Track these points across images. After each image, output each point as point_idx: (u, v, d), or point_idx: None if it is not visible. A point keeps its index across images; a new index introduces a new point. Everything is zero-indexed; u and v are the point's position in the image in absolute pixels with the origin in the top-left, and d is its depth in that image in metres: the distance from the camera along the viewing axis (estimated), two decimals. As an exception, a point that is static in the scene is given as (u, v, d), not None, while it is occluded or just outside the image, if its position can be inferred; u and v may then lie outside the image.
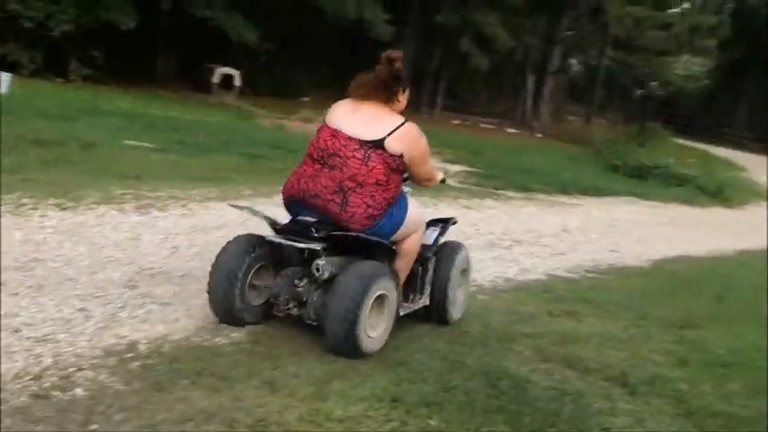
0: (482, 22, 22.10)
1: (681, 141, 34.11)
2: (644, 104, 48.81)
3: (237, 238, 4.31)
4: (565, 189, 13.61)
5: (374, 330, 4.08)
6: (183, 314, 4.33)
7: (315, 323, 4.13)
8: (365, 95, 4.23)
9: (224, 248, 4.24)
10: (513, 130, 25.82)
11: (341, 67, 24.81)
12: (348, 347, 3.96)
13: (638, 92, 51.49)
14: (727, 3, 42.54)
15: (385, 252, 4.31)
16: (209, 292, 4.22)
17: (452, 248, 4.88)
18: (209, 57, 19.67)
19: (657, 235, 10.75)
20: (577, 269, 7.44)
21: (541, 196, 12.69)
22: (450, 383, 3.78)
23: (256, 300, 4.29)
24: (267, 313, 4.30)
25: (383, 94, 4.23)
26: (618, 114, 35.62)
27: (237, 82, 19.56)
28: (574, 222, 10.48)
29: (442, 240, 4.86)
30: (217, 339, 4.02)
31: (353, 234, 4.12)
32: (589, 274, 7.29)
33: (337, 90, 19.96)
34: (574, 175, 15.13)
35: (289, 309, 4.20)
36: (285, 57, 22.43)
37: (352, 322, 3.91)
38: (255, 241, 4.26)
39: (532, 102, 29.41)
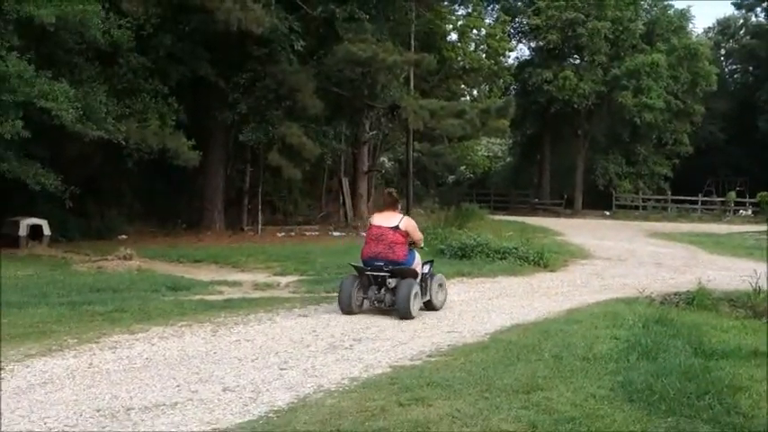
0: (287, 134, 22.56)
1: (497, 217, 35.70)
2: (457, 188, 51.17)
3: (348, 276, 10.37)
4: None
5: (416, 306, 9.98)
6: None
7: (388, 308, 10.00)
8: (384, 209, 10.48)
9: (343, 280, 10.32)
10: (338, 233, 26.15)
11: (154, 199, 24.59)
12: (407, 315, 9.71)
13: (450, 177, 54.07)
14: (512, 85, 45.77)
15: (413, 273, 10.16)
16: (339, 301, 10.15)
17: (433, 274, 10.74)
18: (13, 209, 18.89)
19: (491, 309, 11.07)
20: (420, 355, 7.54)
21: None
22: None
23: (359, 301, 10.14)
24: (363, 307, 10.19)
25: (392, 207, 10.48)
26: (434, 201, 36.97)
27: (46, 231, 18.81)
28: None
29: (430, 270, 10.73)
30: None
31: (404, 267, 10.12)
32: (432, 358, 7.41)
33: (153, 222, 19.59)
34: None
35: (374, 303, 10.12)
36: (94, 198, 21.87)
37: (408, 304, 9.77)
38: (355, 276, 10.23)
39: (352, 203, 30.05)
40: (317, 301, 11.49)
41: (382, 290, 10.13)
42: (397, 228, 10.20)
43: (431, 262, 11.09)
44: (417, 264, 10.46)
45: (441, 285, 10.88)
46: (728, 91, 54.93)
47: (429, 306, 10.53)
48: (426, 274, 10.59)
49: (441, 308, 10.69)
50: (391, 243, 10.12)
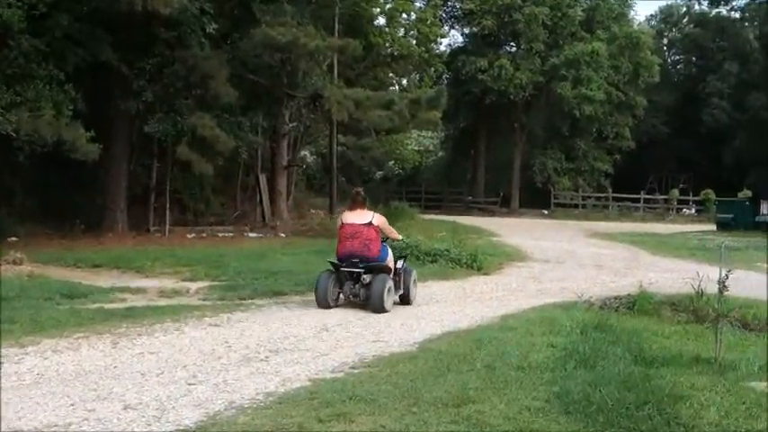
0: (198, 126, 22.25)
1: (428, 217, 35.94)
2: (385, 185, 51.34)
3: (324, 272, 11.65)
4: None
5: (389, 301, 11.44)
6: None
7: (362, 302, 11.39)
8: (354, 207, 11.82)
9: (320, 276, 11.61)
10: (254, 235, 25.95)
11: (48, 197, 23.98)
12: (381, 310, 11.05)
13: (377, 173, 54.19)
14: (444, 74, 46.05)
15: (386, 269, 11.64)
16: (315, 296, 11.48)
17: (407, 269, 12.34)
18: None
19: (420, 315, 11.14)
20: (342, 367, 7.54)
21: (295, 298, 12.80)
22: None
23: (334, 295, 11.55)
24: (339, 302, 11.60)
25: (361, 205, 11.83)
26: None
27: (-75, 234, 18.23)
28: (333, 320, 10.61)
29: (404, 265, 12.31)
30: None
31: (378, 264, 11.56)
32: (355, 370, 7.41)
33: (47, 223, 19.07)
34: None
35: (349, 298, 11.54)
36: (-20, 196, 21.26)
37: (382, 299, 11.18)
38: (331, 272, 11.63)
39: (269, 201, 29.85)
40: (230, 308, 11.42)
41: (357, 285, 11.62)
42: (370, 224, 11.74)
43: (404, 257, 12.80)
44: (390, 260, 11.98)
45: (415, 281, 12.57)
46: (671, 82, 56.50)
47: (404, 300, 12.18)
48: (400, 269, 12.17)
49: (414, 300, 12.39)
50: (366, 240, 11.64)
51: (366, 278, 11.53)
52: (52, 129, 19.26)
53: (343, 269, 11.63)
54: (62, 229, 23.03)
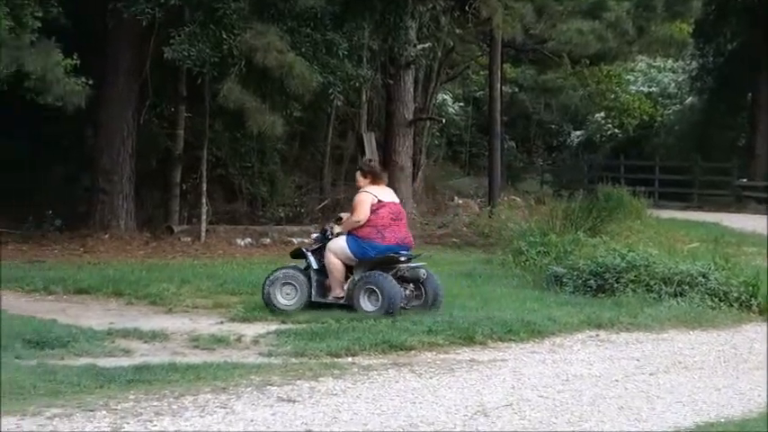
0: (257, 48, 22.15)
1: (667, 214, 35.60)
2: (588, 156, 50.80)
3: (384, 274, 15.02)
4: (470, 335, 13.79)
5: None
6: None
7: (409, 307, 15.43)
8: (378, 181, 15.80)
9: (382, 279, 14.87)
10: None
11: (1, 172, 24.64)
12: (440, 305, 15.85)
13: (574, 135, 53.65)
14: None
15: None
16: (392, 306, 14.75)
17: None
18: None
19: (655, 392, 11.13)
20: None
21: (428, 355, 12.83)
22: None
23: None
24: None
25: (383, 179, 16.15)
26: (542, 181, 36.81)
27: None
28: (496, 395, 10.62)
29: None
30: None
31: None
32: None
33: (2, 217, 19.98)
34: (482, 304, 15.44)
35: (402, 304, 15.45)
36: None
37: (441, 295, 16.00)
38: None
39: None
40: (313, 371, 11.54)
41: (411, 285, 15.34)
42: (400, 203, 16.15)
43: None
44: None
45: None
46: None
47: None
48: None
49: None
50: (405, 224, 15.72)
51: (424, 273, 15.35)
52: (6, 54, 19.74)
53: (404, 265, 15.26)
54: (24, 225, 23.68)
